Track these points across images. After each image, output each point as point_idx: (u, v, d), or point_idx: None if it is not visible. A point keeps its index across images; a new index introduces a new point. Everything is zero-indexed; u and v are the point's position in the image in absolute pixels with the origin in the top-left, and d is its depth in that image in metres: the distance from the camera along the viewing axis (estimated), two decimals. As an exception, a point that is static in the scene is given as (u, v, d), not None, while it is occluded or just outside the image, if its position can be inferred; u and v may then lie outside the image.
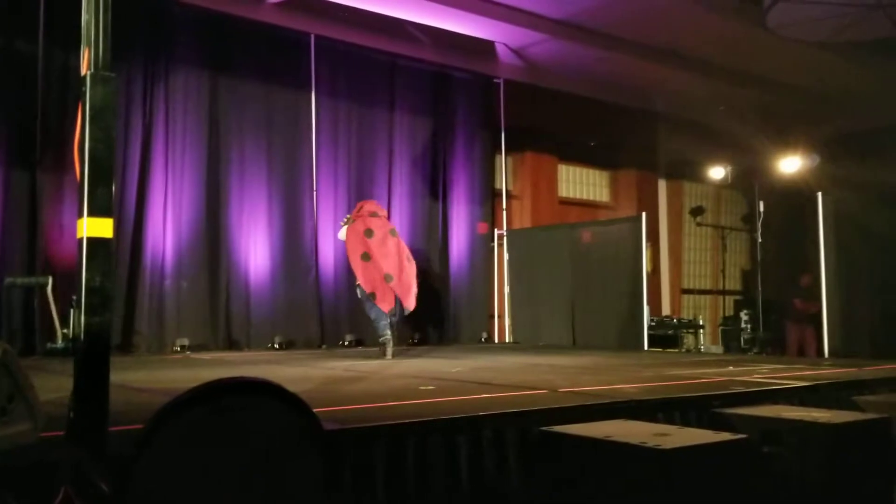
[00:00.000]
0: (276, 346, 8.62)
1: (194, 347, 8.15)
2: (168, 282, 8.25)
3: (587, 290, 9.89)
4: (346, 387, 4.58)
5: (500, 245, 11.05)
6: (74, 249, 2.62)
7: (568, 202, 12.62)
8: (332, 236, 9.40)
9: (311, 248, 9.24)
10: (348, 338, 9.24)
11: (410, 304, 7.32)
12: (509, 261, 10.87)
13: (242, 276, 8.75)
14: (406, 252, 7.53)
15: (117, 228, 7.97)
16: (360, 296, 7.38)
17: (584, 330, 9.89)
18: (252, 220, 8.86)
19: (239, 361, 6.99)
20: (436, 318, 10.15)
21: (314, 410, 2.17)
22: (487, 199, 11.01)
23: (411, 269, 7.50)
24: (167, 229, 8.30)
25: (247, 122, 8.93)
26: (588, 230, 10.19)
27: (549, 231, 10.68)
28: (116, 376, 2.60)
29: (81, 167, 2.51)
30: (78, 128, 2.55)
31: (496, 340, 10.78)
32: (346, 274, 9.42)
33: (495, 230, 11.05)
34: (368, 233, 7.35)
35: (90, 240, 2.48)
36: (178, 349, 8.04)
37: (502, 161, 11.41)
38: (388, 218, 8.18)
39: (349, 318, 9.43)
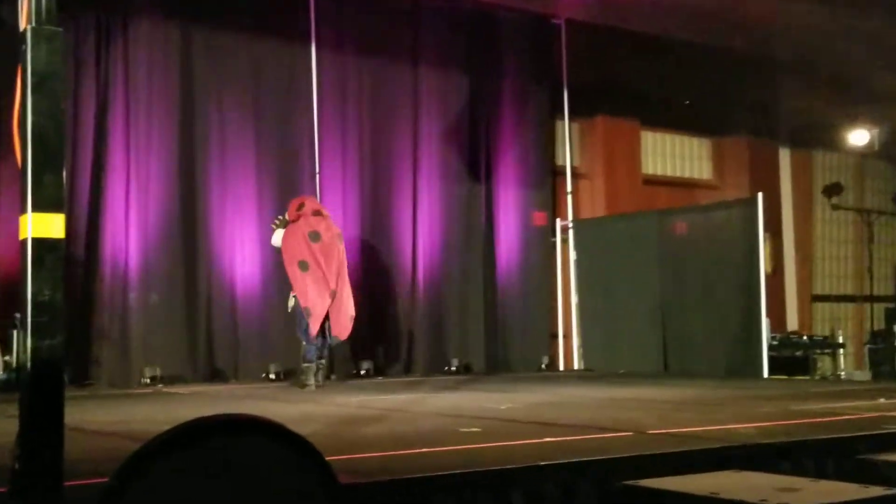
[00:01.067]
0: (272, 376, 8.75)
1: (167, 379, 8.32)
2: (133, 295, 8.43)
3: (683, 300, 9.84)
4: (363, 428, 4.63)
5: (565, 241, 11.04)
6: (15, 254, 2.71)
7: (655, 181, 12.54)
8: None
9: (315, 248, 9.37)
10: (364, 366, 9.34)
11: (343, 331, 7.60)
12: (577, 261, 10.86)
13: (227, 286, 8.90)
14: (345, 265, 7.73)
15: (67, 228, 8.08)
16: (290, 308, 7.63)
17: (679, 352, 9.84)
18: (238, 215, 9.00)
19: (225, 396, 7.09)
20: (477, 340, 10.23)
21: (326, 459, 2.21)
22: (545, 180, 11.01)
23: (348, 289, 7.72)
24: (130, 228, 8.48)
25: (228, 87, 9.07)
26: (683, 219, 10.13)
27: (629, 221, 10.62)
28: (71, 417, 2.67)
29: (23, 149, 2.60)
30: (17, 99, 2.63)
31: (561, 367, 10.79)
32: (356, 279, 9.50)
33: (557, 221, 11.06)
34: (314, 236, 7.58)
35: (37, 241, 2.55)
36: (148, 381, 8.21)
37: (565, 129, 11.39)
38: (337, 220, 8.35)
39: (365, 341, 9.53)
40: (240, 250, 8.99)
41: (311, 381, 7.56)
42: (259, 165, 9.15)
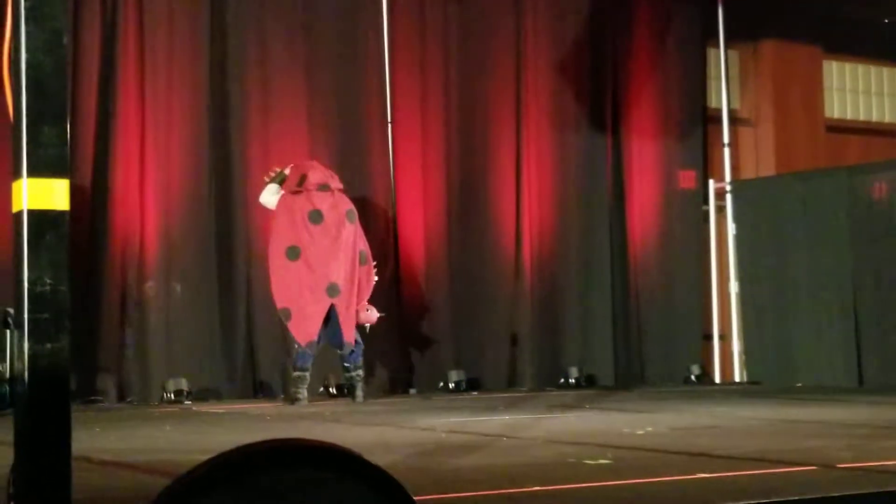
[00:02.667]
0: (332, 390, 8.85)
1: (197, 394, 8.45)
2: (150, 285, 8.59)
3: (885, 288, 9.65)
4: (456, 460, 4.65)
5: (721, 209, 10.95)
6: (4, 232, 2.78)
7: (843, 128, 12.28)
8: (416, 209, 9.53)
9: (385, 224, 9.42)
10: (454, 377, 9.38)
11: (351, 335, 7.93)
12: (737, 236, 10.76)
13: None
14: (362, 247, 8.03)
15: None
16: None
17: (880, 360, 9.67)
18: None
19: (272, 417, 7.16)
20: (602, 343, 10.21)
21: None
22: (694, 129, 10.91)
23: (368, 278, 8.07)
24: (146, 198, 8.63)
25: (272, 10, 9.15)
26: (883, 178, 9.90)
27: (808, 181, 10.44)
28: (77, 443, 2.72)
29: (15, 96, 2.65)
30: (8, 33, 2.68)
31: (717, 379, 10.73)
32: (440, 267, 9.52)
33: (710, 182, 10.95)
34: (315, 216, 7.87)
35: (34, 214, 2.59)
36: (171, 397, 8.34)
37: (720, 59, 11.22)
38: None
39: (454, 345, 9.54)
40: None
41: (304, 393, 7.96)
42: (312, 113, 9.22)
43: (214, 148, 8.89)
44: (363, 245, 8.16)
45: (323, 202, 7.95)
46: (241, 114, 9.01)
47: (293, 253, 7.87)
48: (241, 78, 9.02)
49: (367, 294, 8.14)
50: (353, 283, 7.98)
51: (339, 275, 7.91)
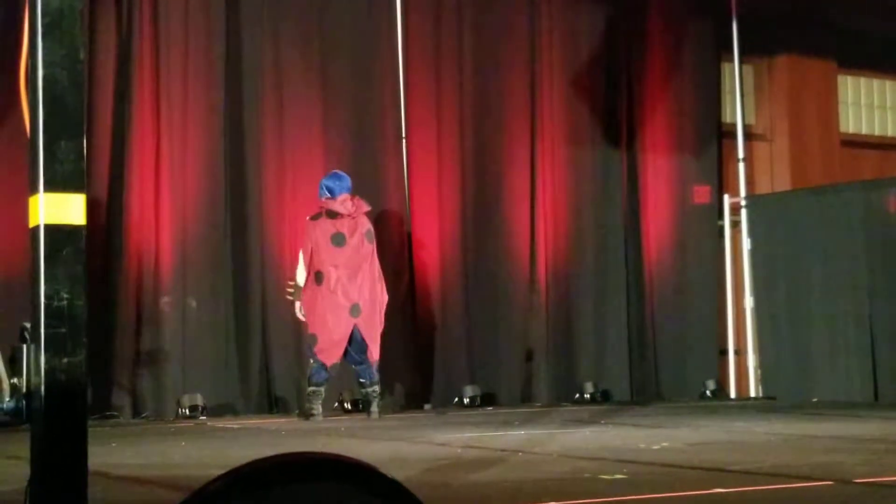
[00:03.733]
0: (347, 405, 8.85)
1: (212, 410, 8.47)
2: (166, 300, 8.61)
3: (899, 302, 9.63)
4: (471, 475, 4.64)
5: (735, 224, 10.92)
6: (22, 246, 2.78)
7: (858, 143, 12.25)
8: (431, 223, 9.53)
9: (400, 239, 9.43)
10: (469, 391, 9.37)
11: (376, 353, 8.12)
12: (752, 251, 10.74)
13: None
14: (378, 267, 8.22)
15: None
16: (300, 313, 8.24)
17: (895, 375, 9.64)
18: (301, 196, 9.09)
19: (287, 432, 7.18)
20: (618, 358, 10.19)
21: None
22: (709, 144, 10.89)
23: (383, 296, 8.26)
24: (162, 211, 8.66)
25: (287, 22, 9.18)
26: (900, 192, 9.91)
27: (824, 196, 10.41)
28: (93, 458, 2.72)
29: (32, 111, 2.66)
30: (24, 48, 2.70)
31: (732, 394, 10.69)
32: (455, 282, 9.52)
33: (725, 197, 10.93)
34: (338, 240, 8.07)
35: (51, 229, 2.60)
36: (187, 412, 8.37)
37: (735, 73, 11.21)
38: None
39: (469, 358, 9.54)
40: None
41: (319, 409, 8.06)
42: (327, 128, 9.24)
43: (230, 164, 8.92)
44: (377, 266, 8.28)
45: (343, 225, 8.09)
46: (257, 129, 9.03)
47: (318, 278, 8.06)
48: (257, 93, 9.05)
49: (382, 316, 8.27)
50: (376, 302, 8.14)
51: (361, 295, 8.07)
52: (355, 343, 8.08)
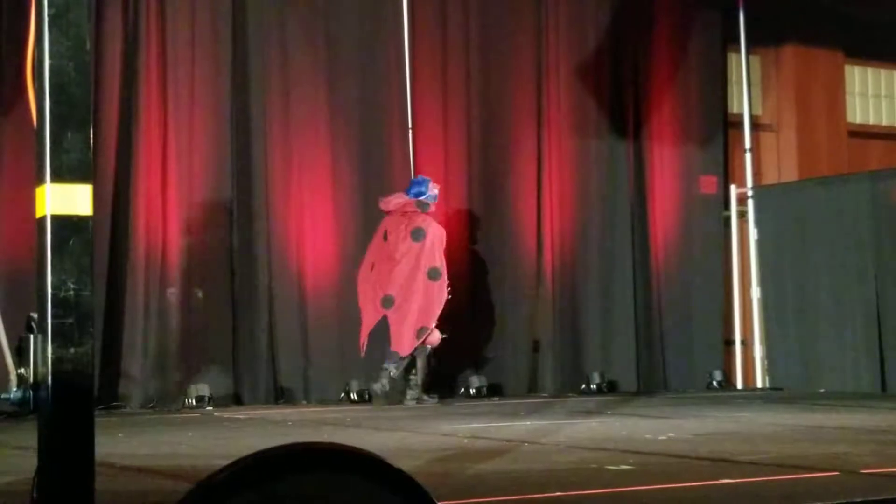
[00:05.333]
0: (354, 397, 8.87)
1: (219, 400, 8.47)
2: (172, 291, 8.61)
3: (906, 293, 9.61)
4: (478, 465, 4.65)
5: (742, 214, 10.91)
6: (29, 237, 2.79)
7: (865, 133, 12.22)
8: (438, 214, 9.50)
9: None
10: (475, 383, 9.38)
11: (400, 346, 8.51)
12: (759, 241, 10.73)
13: (295, 280, 9.02)
14: (432, 264, 8.57)
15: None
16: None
17: (902, 365, 9.64)
18: (308, 188, 9.11)
19: (293, 422, 7.19)
20: (624, 349, 10.19)
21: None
22: (715, 134, 10.87)
23: (439, 294, 8.60)
24: (168, 203, 8.66)
25: (293, 15, 9.17)
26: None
27: (831, 187, 10.42)
28: (99, 448, 2.72)
29: (39, 101, 2.66)
30: (31, 39, 2.70)
31: (739, 385, 10.68)
32: (462, 273, 9.53)
33: (732, 188, 10.91)
34: (385, 235, 8.71)
35: (58, 220, 2.60)
36: (193, 403, 8.38)
37: (742, 64, 11.18)
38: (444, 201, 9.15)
39: (475, 350, 9.54)
40: (311, 233, 9.10)
41: (382, 399, 8.45)
42: (333, 121, 9.23)
43: (237, 155, 8.91)
44: (433, 262, 8.56)
45: (391, 221, 8.63)
46: (263, 122, 9.03)
47: (370, 269, 8.65)
48: (263, 86, 9.05)
49: (438, 310, 8.56)
50: (410, 298, 8.47)
51: (394, 288, 8.49)
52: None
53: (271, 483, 2.04)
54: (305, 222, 9.11)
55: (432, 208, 8.66)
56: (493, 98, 9.91)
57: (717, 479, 4.08)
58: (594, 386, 9.80)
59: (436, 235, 8.59)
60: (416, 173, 9.45)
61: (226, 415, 7.92)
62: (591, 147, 10.23)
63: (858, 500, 3.54)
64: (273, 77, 9.08)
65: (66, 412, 2.62)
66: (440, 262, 8.55)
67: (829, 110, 11.84)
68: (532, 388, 9.78)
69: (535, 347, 9.86)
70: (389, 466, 2.14)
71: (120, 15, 8.58)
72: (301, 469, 2.06)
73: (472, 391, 9.32)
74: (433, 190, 8.63)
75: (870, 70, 12.46)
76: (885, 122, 12.55)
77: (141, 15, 8.64)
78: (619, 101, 10.43)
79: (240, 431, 6.64)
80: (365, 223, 9.23)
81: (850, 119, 12.12)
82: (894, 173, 10.20)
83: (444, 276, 8.56)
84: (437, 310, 8.53)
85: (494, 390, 9.46)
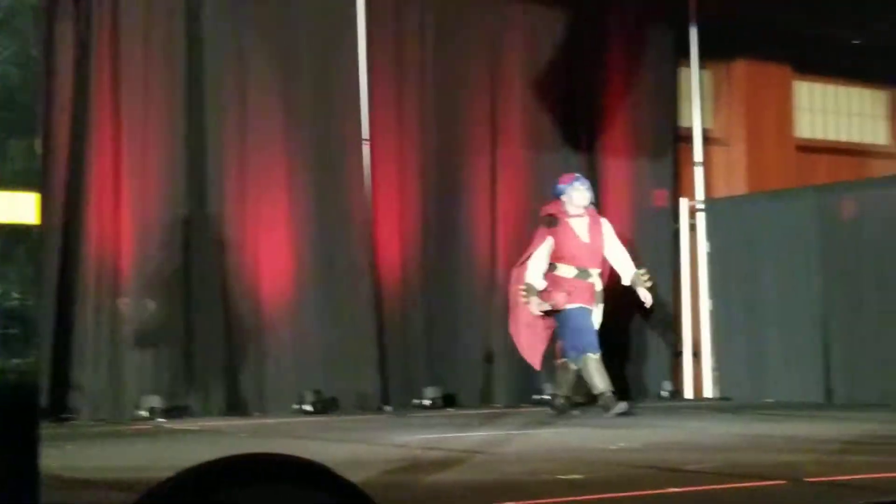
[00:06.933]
0: (307, 407, 8.81)
1: (170, 412, 8.39)
2: (124, 301, 8.52)
3: (853, 306, 9.69)
4: (430, 476, 4.63)
5: (693, 227, 10.96)
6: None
7: (813, 147, 12.33)
8: (392, 226, 9.50)
9: (363, 242, 9.38)
10: (429, 394, 9.35)
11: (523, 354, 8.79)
12: (710, 254, 10.79)
13: (250, 290, 8.95)
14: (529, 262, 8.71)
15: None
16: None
17: (848, 376, 9.70)
18: (264, 199, 9.05)
19: (247, 434, 7.16)
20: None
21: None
22: (667, 148, 10.93)
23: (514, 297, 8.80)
24: (121, 214, 8.57)
25: (248, 25, 9.11)
26: (852, 198, 9.96)
27: (779, 201, 10.50)
28: (47, 461, 2.68)
29: (-15, 108, 2.63)
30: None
31: (688, 395, 10.72)
32: (416, 284, 9.50)
33: (682, 201, 10.97)
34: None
35: (2, 228, 2.56)
36: (145, 414, 8.30)
37: (693, 78, 11.26)
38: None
39: (429, 359, 9.51)
40: (266, 245, 9.03)
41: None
42: (288, 131, 9.18)
43: (190, 165, 8.83)
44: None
45: None
46: (218, 133, 8.96)
47: None
48: (218, 96, 8.98)
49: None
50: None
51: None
52: None
53: (214, 494, 2.01)
54: (261, 234, 9.05)
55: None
56: (449, 110, 9.90)
57: (665, 489, 4.09)
58: (547, 397, 9.79)
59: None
60: (372, 184, 9.42)
61: (178, 427, 7.84)
62: (544, 160, 10.24)
63: (805, 509, 3.57)
64: (228, 89, 9.02)
65: (11, 424, 2.58)
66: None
67: (779, 125, 11.95)
68: (486, 399, 9.76)
69: (489, 359, 9.84)
70: (336, 476, 2.11)
71: (71, 27, 8.48)
72: (244, 480, 2.03)
73: (427, 402, 9.28)
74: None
75: (817, 86, 12.58)
76: (831, 137, 12.68)
77: (93, 27, 8.56)
78: (573, 115, 10.45)
79: (191, 443, 6.58)
80: (320, 234, 9.21)
81: (798, 134, 12.24)
82: (841, 187, 10.31)
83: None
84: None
85: (448, 401, 9.44)
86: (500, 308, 9.84)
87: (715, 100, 11.81)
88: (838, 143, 12.67)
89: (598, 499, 3.95)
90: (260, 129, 9.10)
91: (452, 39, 9.92)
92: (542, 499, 3.91)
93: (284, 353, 9.01)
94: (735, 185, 11.54)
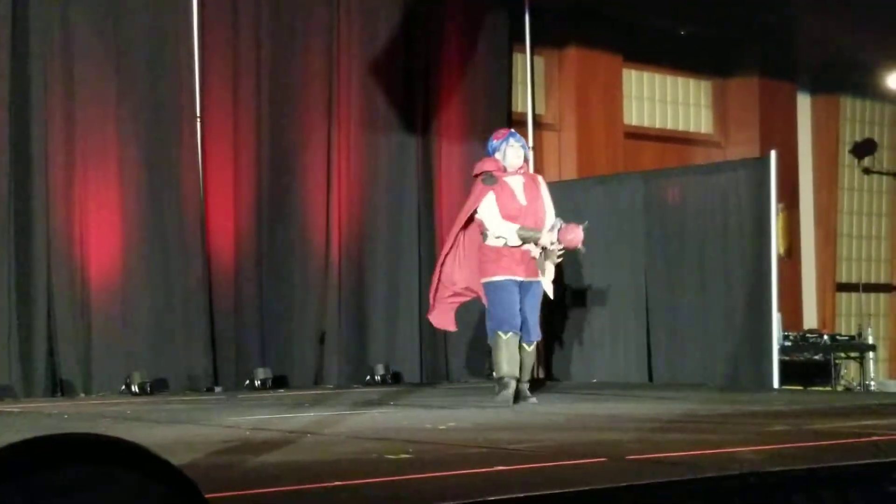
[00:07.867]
0: (134, 388, 8.66)
1: (-8, 393, 8.17)
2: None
3: (674, 288, 9.96)
4: (258, 457, 4.60)
5: (524, 210, 11.15)
6: None
7: (640, 134, 12.65)
8: (226, 206, 9.40)
9: (195, 221, 9.24)
10: (261, 374, 9.29)
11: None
12: (540, 238, 10.98)
13: (76, 271, 8.74)
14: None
15: None
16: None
17: (667, 357, 9.99)
18: (92, 175, 8.84)
19: (71, 415, 6.97)
20: (409, 341, 10.25)
21: (206, 496, 2.16)
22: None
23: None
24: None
25: (78, 12, 8.84)
26: (675, 183, 10.26)
27: (606, 185, 10.72)
28: None
29: None
30: None
31: (518, 376, 10.91)
32: (249, 265, 9.42)
33: (515, 185, 11.13)
34: None
35: None
36: (-35, 397, 8.05)
37: (527, 64, 11.40)
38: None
39: (261, 340, 9.45)
40: (95, 225, 8.82)
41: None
42: (120, 106, 8.98)
43: (14, 143, 8.56)
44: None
45: None
46: (44, 107, 8.69)
47: None
48: (45, 69, 8.71)
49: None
50: None
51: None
52: None
53: (25, 476, 1.95)
54: (90, 214, 8.83)
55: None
56: (284, 91, 9.82)
57: (492, 467, 4.14)
58: (378, 377, 9.84)
59: None
60: (204, 163, 9.29)
61: None
62: (380, 141, 10.26)
63: (623, 484, 3.64)
64: (56, 60, 8.75)
65: None
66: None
67: (608, 112, 12.19)
68: (318, 380, 9.76)
69: (321, 339, 9.83)
70: (155, 457, 2.08)
71: None
72: (58, 461, 1.98)
73: (258, 383, 9.23)
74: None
75: (645, 74, 12.88)
76: (657, 125, 13.01)
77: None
78: (409, 97, 10.49)
79: (11, 426, 6.37)
80: (151, 212, 9.05)
81: (626, 121, 12.51)
82: (665, 174, 10.61)
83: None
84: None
85: (280, 382, 9.40)
86: (333, 289, 9.83)
87: (547, 85, 11.99)
88: (664, 130, 13.00)
89: (427, 477, 3.97)
90: (89, 104, 8.86)
91: (289, 18, 9.85)
92: (371, 478, 3.92)
93: (112, 332, 8.83)
94: (566, 169, 11.74)
